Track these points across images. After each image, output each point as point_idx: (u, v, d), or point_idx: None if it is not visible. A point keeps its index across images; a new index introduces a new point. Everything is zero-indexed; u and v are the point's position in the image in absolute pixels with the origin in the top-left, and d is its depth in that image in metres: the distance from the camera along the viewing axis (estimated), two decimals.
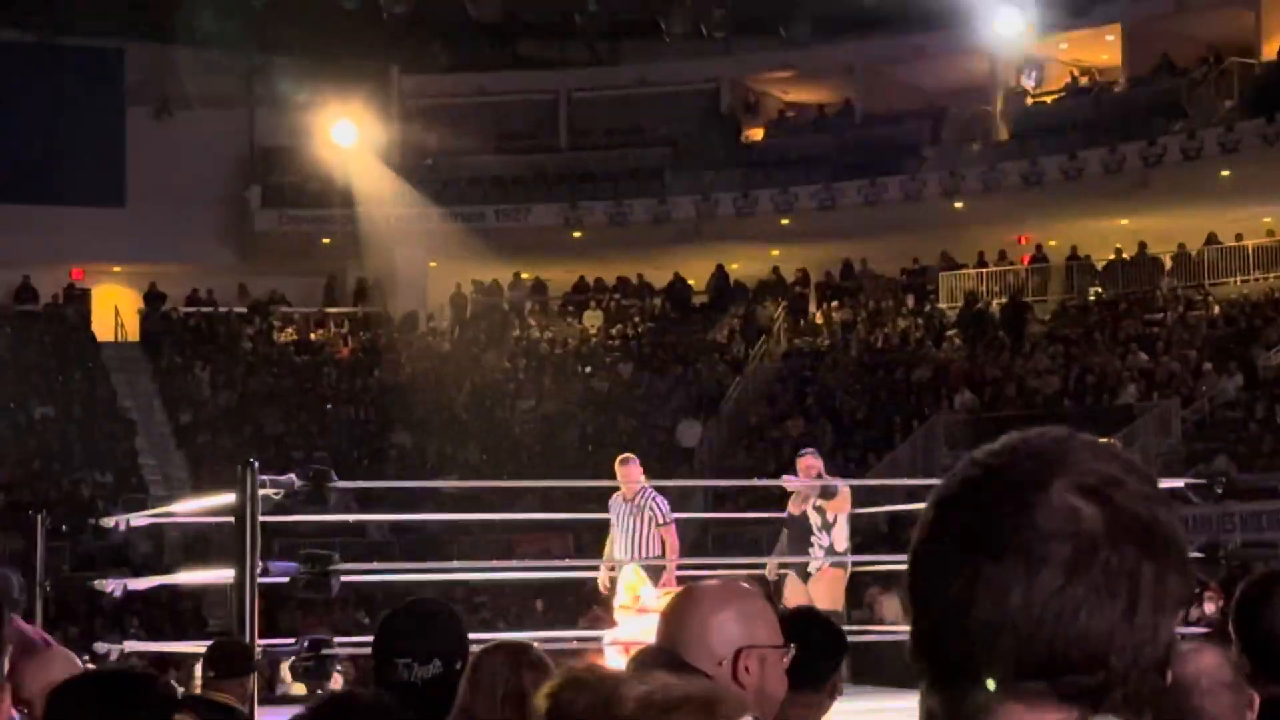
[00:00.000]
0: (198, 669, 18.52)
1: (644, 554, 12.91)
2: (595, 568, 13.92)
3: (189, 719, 7.41)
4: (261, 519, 9.76)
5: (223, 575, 12.66)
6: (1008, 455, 1.57)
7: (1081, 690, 1.50)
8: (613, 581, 13.02)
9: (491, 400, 36.53)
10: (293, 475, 10.28)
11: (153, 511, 20.08)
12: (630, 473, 13.34)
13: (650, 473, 14.33)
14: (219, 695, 7.57)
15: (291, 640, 10.47)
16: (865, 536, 24.68)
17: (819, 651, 4.28)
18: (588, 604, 24.73)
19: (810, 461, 13.62)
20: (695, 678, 2.62)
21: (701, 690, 2.16)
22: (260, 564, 9.58)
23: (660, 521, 13.09)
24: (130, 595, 20.23)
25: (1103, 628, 1.49)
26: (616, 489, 13.34)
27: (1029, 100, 38.07)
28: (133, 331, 39.14)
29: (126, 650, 12.90)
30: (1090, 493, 1.52)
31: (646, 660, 3.16)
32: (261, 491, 9.61)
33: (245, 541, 9.37)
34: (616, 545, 13.29)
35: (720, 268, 39.74)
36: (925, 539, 1.59)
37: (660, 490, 13.37)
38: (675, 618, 3.26)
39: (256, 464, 9.79)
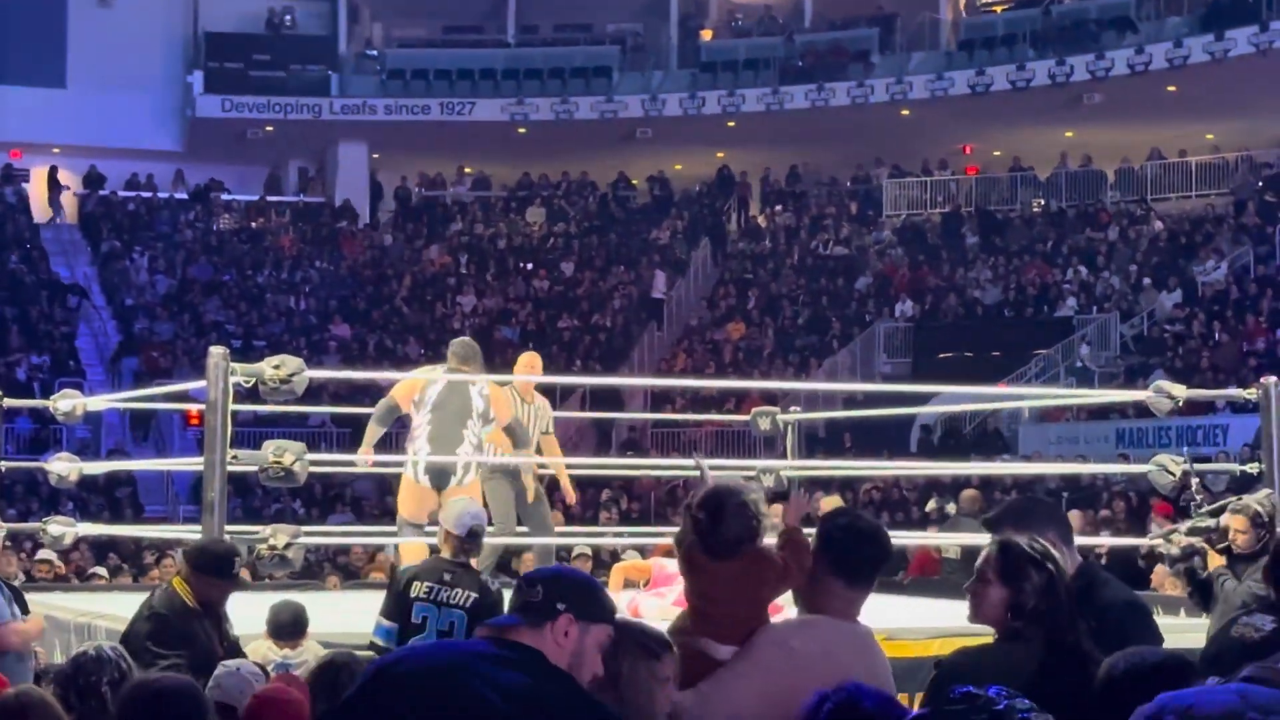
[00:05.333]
0: (148, 555, 18.55)
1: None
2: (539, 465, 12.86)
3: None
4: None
5: (190, 463, 12.59)
6: None
7: None
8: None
9: (432, 295, 36.43)
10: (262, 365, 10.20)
11: (118, 395, 19.93)
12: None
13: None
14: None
15: (257, 529, 10.40)
16: (806, 441, 24.83)
17: None
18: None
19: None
20: None
21: None
22: (231, 452, 9.42)
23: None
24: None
25: None
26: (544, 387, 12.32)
27: (979, 9, 37.99)
28: (71, 215, 38.80)
29: (79, 534, 12.89)
30: None
31: None
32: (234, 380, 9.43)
33: (217, 430, 9.25)
34: None
35: (665, 169, 39.64)
36: None
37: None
38: None
39: (228, 351, 9.67)
